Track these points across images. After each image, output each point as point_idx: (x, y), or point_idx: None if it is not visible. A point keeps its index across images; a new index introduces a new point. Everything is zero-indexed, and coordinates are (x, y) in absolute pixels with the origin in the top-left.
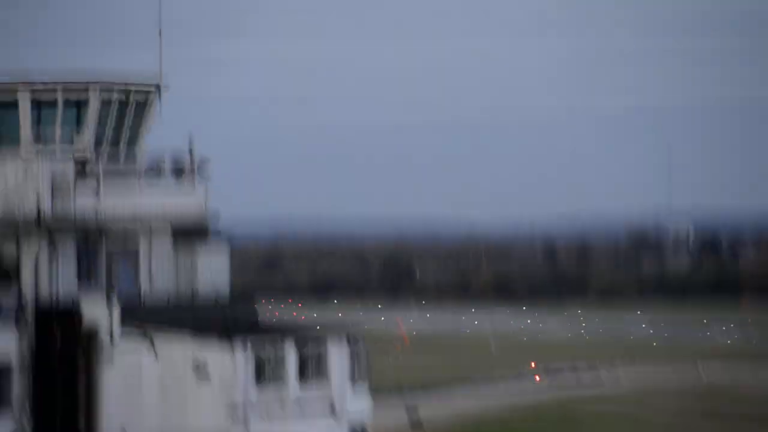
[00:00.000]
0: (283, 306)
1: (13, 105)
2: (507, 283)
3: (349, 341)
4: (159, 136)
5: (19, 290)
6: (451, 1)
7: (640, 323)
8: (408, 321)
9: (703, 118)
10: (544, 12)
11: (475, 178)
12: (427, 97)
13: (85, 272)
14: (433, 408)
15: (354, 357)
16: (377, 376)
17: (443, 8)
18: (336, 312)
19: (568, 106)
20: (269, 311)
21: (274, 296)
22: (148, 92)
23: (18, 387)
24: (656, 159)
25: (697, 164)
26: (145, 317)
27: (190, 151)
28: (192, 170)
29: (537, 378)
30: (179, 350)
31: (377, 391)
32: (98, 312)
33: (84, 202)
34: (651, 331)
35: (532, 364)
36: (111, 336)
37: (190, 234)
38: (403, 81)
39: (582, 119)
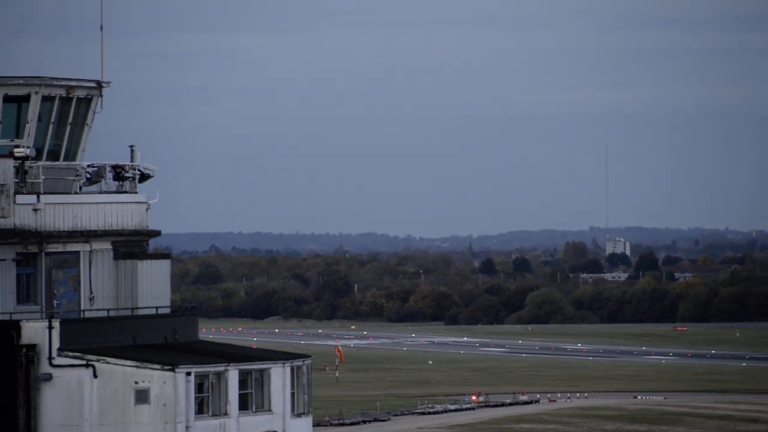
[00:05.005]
0: (222, 329)
1: None
2: (445, 299)
3: (292, 367)
4: (100, 138)
5: None
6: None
7: (576, 342)
8: (344, 338)
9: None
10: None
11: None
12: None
13: (24, 286)
14: (372, 427)
15: (297, 383)
16: (317, 393)
17: None
18: (275, 333)
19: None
20: (207, 330)
21: (212, 313)
22: (89, 88)
23: None
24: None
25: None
26: (86, 333)
27: (132, 158)
28: (134, 178)
29: (473, 397)
30: (120, 370)
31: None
32: (37, 328)
33: (24, 210)
34: (587, 351)
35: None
36: (50, 353)
37: (131, 244)
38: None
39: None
